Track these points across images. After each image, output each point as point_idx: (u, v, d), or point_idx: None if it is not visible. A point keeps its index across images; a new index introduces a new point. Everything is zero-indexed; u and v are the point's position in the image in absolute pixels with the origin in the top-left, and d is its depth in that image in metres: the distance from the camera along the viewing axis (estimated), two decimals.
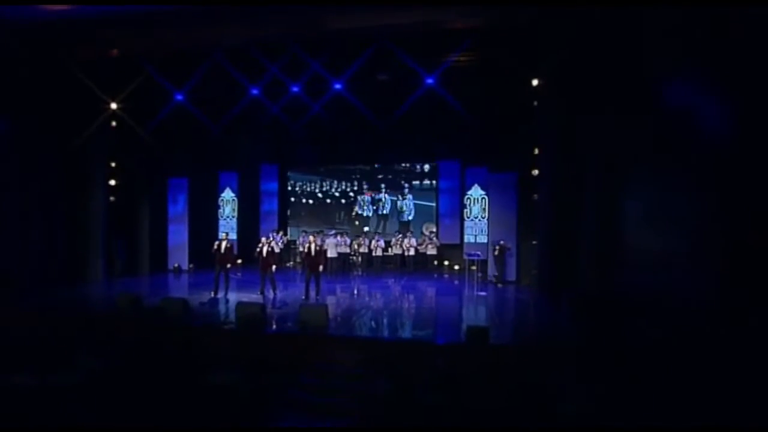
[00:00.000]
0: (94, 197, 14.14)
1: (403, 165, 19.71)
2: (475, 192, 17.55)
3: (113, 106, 14.46)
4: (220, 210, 18.88)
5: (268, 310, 10.91)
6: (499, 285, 13.65)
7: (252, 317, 9.18)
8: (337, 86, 13.76)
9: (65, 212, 13.70)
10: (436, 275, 17.19)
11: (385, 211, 19.69)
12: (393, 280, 15.87)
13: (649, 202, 9.46)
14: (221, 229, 18.71)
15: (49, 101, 13.09)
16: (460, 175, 18.20)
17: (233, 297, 12.23)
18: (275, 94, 15.04)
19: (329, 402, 7.13)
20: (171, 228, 17.10)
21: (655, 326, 8.39)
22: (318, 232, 18.61)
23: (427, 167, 19.49)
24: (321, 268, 12.23)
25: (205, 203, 18.14)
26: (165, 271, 16.63)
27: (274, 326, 9.34)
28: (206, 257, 13.54)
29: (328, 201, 20.32)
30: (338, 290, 14.01)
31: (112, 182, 14.82)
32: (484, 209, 17.11)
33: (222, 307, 11.09)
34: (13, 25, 11.84)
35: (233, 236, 18.66)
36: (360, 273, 17.56)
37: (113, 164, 14.82)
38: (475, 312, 11.39)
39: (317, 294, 12.23)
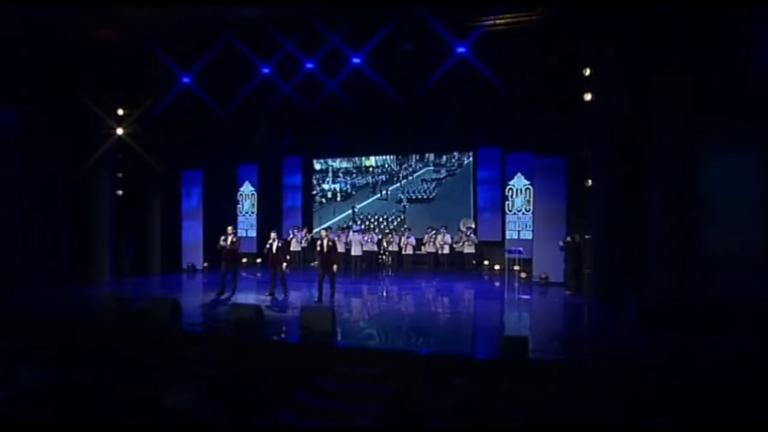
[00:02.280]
0: (99, 191, 13.56)
1: (434, 157, 18.24)
2: (518, 182, 15.92)
3: (120, 94, 13.86)
4: (239, 205, 18.09)
5: (270, 313, 9.82)
6: (568, 292, 11.96)
7: (246, 322, 8.08)
8: (356, 60, 12.53)
9: (69, 208, 13.15)
10: (473, 276, 15.64)
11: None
12: (423, 281, 14.47)
13: (736, 185, 7.75)
14: (240, 226, 18.01)
15: (52, 90, 12.60)
16: (501, 164, 16.57)
17: (240, 298, 11.26)
18: (292, 75, 14.04)
19: (323, 426, 5.89)
20: (185, 224, 16.39)
21: (751, 337, 6.69)
22: (343, 228, 17.56)
23: (465, 158, 17.94)
24: (335, 267, 11.03)
25: (222, 198, 17.38)
26: (178, 271, 15.93)
27: (271, 332, 8.18)
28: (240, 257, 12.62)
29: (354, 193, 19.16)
30: (358, 292, 12.77)
31: (120, 175, 14.18)
32: (529, 201, 15.44)
33: (222, 309, 10.06)
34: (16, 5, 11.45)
35: (252, 233, 17.86)
36: (389, 274, 16.25)
37: (120, 156, 14.19)
38: (513, 319, 9.83)
39: (332, 296, 11.03)
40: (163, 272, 15.37)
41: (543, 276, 13.50)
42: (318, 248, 10.94)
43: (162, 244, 15.51)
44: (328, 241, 10.97)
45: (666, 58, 9.36)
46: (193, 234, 16.30)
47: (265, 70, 13.36)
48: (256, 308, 8.32)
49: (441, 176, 18.14)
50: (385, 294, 12.59)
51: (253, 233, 17.76)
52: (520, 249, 12.00)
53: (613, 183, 10.79)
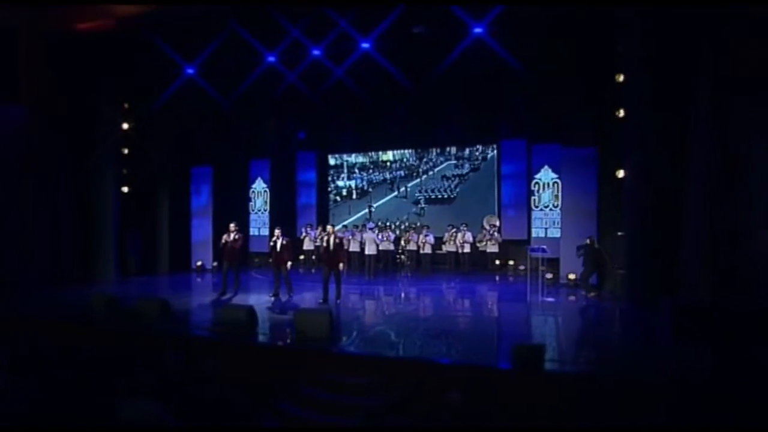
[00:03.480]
0: (104, 188, 13.40)
1: (456, 150, 17.54)
2: (545, 175, 15.06)
3: (126, 86, 13.72)
4: (251, 203, 17.80)
5: (269, 315, 9.39)
6: (592, 295, 11.12)
7: (236, 324, 7.64)
8: (365, 45, 12.03)
9: (72, 205, 13.03)
10: (496, 277, 14.89)
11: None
12: (440, 282, 13.80)
13: None
14: (252, 224, 17.73)
15: (54, 84, 12.51)
16: (527, 156, 15.73)
17: (243, 299, 10.90)
18: (302, 66, 13.63)
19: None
20: (194, 222, 16.21)
21: None
22: (357, 226, 17.06)
23: (489, 150, 17.18)
24: (342, 266, 10.52)
25: (233, 195, 17.10)
26: (187, 270, 15.73)
27: (263, 336, 7.71)
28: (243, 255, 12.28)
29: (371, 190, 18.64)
30: (369, 294, 12.23)
31: (125, 171, 14.04)
32: (557, 196, 14.58)
33: (217, 311, 9.66)
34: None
35: (265, 232, 17.54)
36: (406, 274, 15.64)
37: (126, 151, 14.05)
38: (532, 325, 9.08)
39: (337, 297, 10.53)
40: (171, 272, 15.17)
41: (572, 277, 12.65)
42: (323, 245, 10.44)
43: (170, 243, 15.32)
44: (335, 238, 10.47)
45: (712, 30, 8.44)
46: (202, 232, 16.08)
47: (271, 58, 13.00)
48: (249, 310, 7.86)
49: (463, 171, 17.44)
50: (397, 296, 11.99)
51: (265, 231, 17.42)
52: (544, 247, 11.19)
53: (649, 174, 9.91)
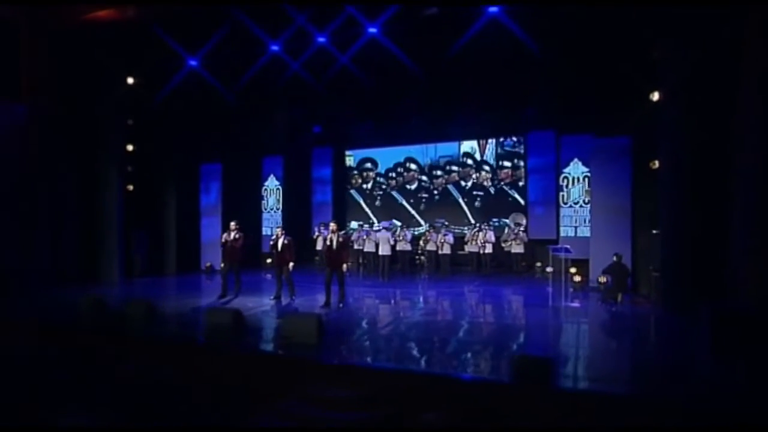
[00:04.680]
0: (108, 186, 13.36)
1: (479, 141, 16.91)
2: (575, 169, 14.27)
3: (130, 80, 13.70)
4: (264, 201, 17.62)
5: (264, 319, 9.05)
6: (619, 300, 10.32)
7: (220, 328, 7.32)
8: (372, 30, 11.54)
9: (75, 204, 13.06)
10: (519, 280, 14.17)
11: None
12: (459, 285, 13.20)
13: None
14: (264, 224, 17.55)
15: (56, 79, 12.55)
16: (556, 149, 14.93)
17: (243, 301, 10.63)
18: (314, 59, 13.32)
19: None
20: (203, 221, 16.12)
21: None
22: (371, 224, 16.64)
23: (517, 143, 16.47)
24: (345, 267, 10.09)
25: (245, 193, 16.93)
26: (195, 272, 15.63)
27: (248, 342, 7.35)
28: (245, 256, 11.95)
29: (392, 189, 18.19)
30: (379, 297, 11.77)
31: (130, 169, 14.03)
32: (587, 191, 13.74)
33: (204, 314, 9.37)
34: None
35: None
36: (424, 277, 15.10)
37: (131, 148, 14.03)
38: (548, 334, 8.38)
39: (340, 301, 10.10)
40: (179, 273, 15.11)
41: (602, 280, 11.82)
42: (326, 244, 10.05)
43: (178, 243, 15.26)
44: (338, 236, 10.05)
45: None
46: (212, 232, 15.94)
47: (275, 47, 12.69)
48: (235, 313, 7.53)
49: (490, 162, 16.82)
50: (406, 300, 11.47)
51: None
52: (567, 247, 10.45)
53: (688, 164, 9.08)
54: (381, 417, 5.76)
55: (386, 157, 18.19)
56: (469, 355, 6.84)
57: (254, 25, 12.42)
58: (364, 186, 18.41)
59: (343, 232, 16.74)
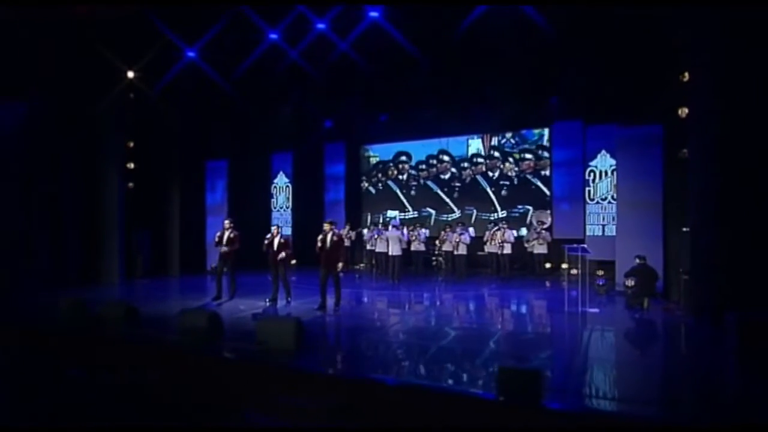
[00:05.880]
0: (108, 184, 13.46)
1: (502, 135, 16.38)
2: (602, 162, 13.58)
3: (130, 74, 13.77)
4: (273, 199, 17.51)
5: (245, 322, 8.79)
6: (645, 306, 9.65)
7: (195, 332, 7.10)
8: (373, 14, 11.20)
9: (75, 203, 13.18)
10: (541, 282, 13.56)
11: None
12: (472, 289, 12.70)
13: None
14: (273, 222, 17.41)
15: (56, 76, 12.69)
16: (582, 140, 14.24)
17: (235, 304, 10.48)
18: (322, 49, 13.09)
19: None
20: (209, 221, 16.08)
21: None
22: (385, 223, 16.25)
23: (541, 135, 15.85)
24: (341, 266, 9.78)
25: (252, 191, 16.86)
26: (200, 273, 15.59)
27: (221, 346, 7.09)
28: (253, 256, 11.75)
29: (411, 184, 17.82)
30: (383, 300, 11.41)
31: (131, 166, 14.09)
32: (616, 186, 13.00)
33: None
34: None
35: (288, 231, 17.16)
36: (439, 279, 14.65)
37: (132, 144, 14.10)
38: (553, 343, 7.82)
39: (336, 304, 9.81)
40: (183, 274, 15.11)
41: (629, 284, 11.12)
42: (319, 244, 9.75)
43: (181, 244, 15.27)
44: (333, 235, 9.75)
45: None
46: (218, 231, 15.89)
47: (273, 36, 12.47)
48: (210, 315, 7.31)
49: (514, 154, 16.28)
50: (410, 304, 11.06)
51: (288, 231, 17.04)
52: (584, 246, 9.84)
53: (720, 154, 8.35)
54: (350, 430, 5.45)
55: (419, 150, 17.97)
56: (450, 365, 6.43)
57: (254, 13, 12.29)
58: (400, 177, 18.22)
59: (352, 230, 16.63)
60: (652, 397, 5.37)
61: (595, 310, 9.58)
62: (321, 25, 11.91)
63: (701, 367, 6.35)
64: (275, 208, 17.50)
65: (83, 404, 4.66)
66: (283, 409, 5.70)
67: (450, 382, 5.75)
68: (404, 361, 6.64)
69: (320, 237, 9.76)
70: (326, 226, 9.83)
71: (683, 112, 9.20)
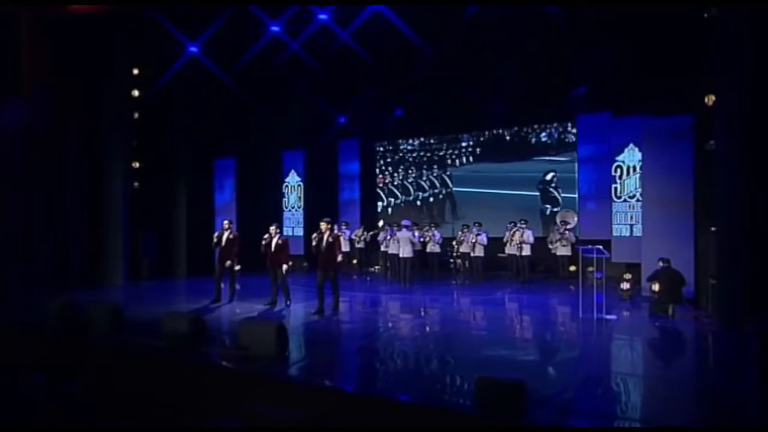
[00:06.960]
0: (112, 184, 13.66)
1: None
2: (630, 156, 13.06)
3: (135, 71, 13.99)
4: (284, 199, 17.51)
5: (234, 326, 8.66)
6: (670, 313, 9.13)
7: (177, 335, 7.06)
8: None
9: (79, 203, 13.44)
10: (564, 286, 13.09)
11: None
12: (487, 293, 12.35)
13: None
14: (285, 223, 17.44)
15: (58, 74, 12.97)
16: (609, 133, 13.70)
17: (233, 307, 10.48)
18: (329, 39, 13.02)
19: None
20: (217, 221, 16.14)
21: None
22: (398, 224, 16.01)
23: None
24: (339, 258, 9.62)
25: (263, 190, 16.89)
26: (208, 274, 15.58)
27: (204, 350, 7.02)
28: (260, 257, 11.71)
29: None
30: (385, 304, 11.20)
31: (136, 165, 14.29)
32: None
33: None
34: None
35: (299, 232, 17.15)
36: (456, 283, 14.33)
37: (136, 143, 14.30)
38: (554, 354, 7.42)
39: (334, 307, 9.66)
40: (190, 276, 15.23)
41: (655, 288, 10.60)
42: (314, 245, 9.61)
43: (189, 244, 15.41)
44: (329, 235, 9.59)
45: None
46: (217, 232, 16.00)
47: (275, 28, 12.46)
48: (193, 319, 7.25)
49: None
50: (416, 309, 10.79)
51: (300, 231, 17.04)
52: (599, 247, 9.38)
53: (749, 147, 7.84)
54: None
55: (433, 145, 17.83)
56: (432, 375, 6.17)
57: (262, 9, 12.31)
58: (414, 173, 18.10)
59: (367, 231, 16.47)
60: (649, 418, 5.00)
61: (613, 317, 9.14)
62: (323, 16, 11.81)
63: (712, 384, 5.92)
64: (287, 207, 17.50)
65: (32, 412, 4.63)
66: (254, 418, 5.57)
67: (427, 393, 5.50)
68: (385, 372, 6.41)
69: (315, 236, 9.61)
70: (323, 225, 9.64)
71: (710, 99, 8.67)
